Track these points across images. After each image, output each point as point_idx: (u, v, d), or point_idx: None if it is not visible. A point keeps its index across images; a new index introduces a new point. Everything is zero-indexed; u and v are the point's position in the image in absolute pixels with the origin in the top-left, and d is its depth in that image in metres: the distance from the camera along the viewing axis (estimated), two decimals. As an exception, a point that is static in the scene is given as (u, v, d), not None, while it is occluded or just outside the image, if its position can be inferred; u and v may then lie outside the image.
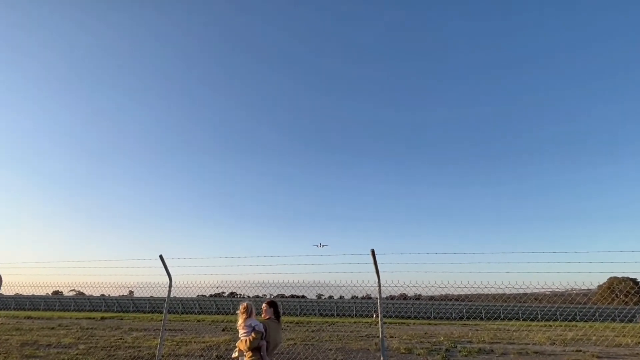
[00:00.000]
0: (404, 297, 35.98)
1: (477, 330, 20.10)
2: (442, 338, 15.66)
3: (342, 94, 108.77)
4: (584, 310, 29.06)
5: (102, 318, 26.92)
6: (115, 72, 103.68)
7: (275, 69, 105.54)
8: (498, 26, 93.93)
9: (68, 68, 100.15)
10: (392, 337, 16.21)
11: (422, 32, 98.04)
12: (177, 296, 9.05)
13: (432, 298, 37.18)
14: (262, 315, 4.89)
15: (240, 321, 4.57)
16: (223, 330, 18.05)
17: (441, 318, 34.54)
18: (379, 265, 6.22)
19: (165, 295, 8.08)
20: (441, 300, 37.00)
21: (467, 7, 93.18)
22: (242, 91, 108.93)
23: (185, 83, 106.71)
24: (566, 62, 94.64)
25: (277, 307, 4.93)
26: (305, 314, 37.10)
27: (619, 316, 26.24)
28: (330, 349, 12.28)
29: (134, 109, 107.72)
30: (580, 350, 12.27)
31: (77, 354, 10.51)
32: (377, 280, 6.39)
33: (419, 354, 11.36)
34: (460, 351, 11.93)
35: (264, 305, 4.93)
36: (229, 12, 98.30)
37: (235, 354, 4.61)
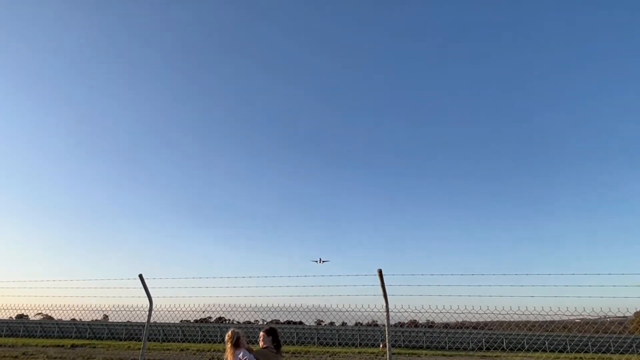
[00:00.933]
0: (414, 324, 35.52)
1: (498, 362, 19.79)
2: (458, 372, 15.40)
3: (346, 106, 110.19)
4: (620, 340, 28.60)
5: (73, 346, 26.55)
6: (98, 73, 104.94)
7: (277, 76, 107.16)
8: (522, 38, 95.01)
9: (42, 66, 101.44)
10: (402, 370, 15.94)
11: (436, 39, 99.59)
12: (158, 321, 9.00)
13: (446, 325, 36.70)
14: (260, 345, 4.78)
15: (227, 352, 4.49)
16: (209, 360, 17.75)
17: (457, 348, 34.02)
18: (386, 287, 6.16)
19: (145, 320, 8.00)
20: (457, 328, 36.51)
21: (483, 13, 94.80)
22: (238, 98, 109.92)
23: (177, 86, 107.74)
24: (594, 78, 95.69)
25: (277, 335, 4.84)
26: (302, 343, 36.59)
27: (659, 348, 25.83)
28: (331, 384, 12.05)
29: (116, 112, 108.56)
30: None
31: (42, 388, 10.33)
32: (384, 304, 6.32)
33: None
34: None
35: (261, 333, 4.82)
36: (228, 13, 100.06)
37: None
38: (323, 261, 56.93)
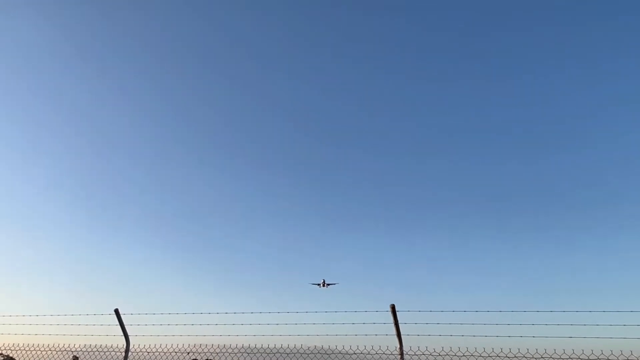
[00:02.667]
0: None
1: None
2: None
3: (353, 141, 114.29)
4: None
5: (36, 392, 25.82)
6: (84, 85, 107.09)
7: (279, 114, 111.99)
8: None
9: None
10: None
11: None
12: (136, 364, 8.84)
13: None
14: None
15: None
16: (193, 410, 17.22)
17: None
18: (400, 326, 6.13)
19: (120, 363, 7.83)
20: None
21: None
22: (243, 136, 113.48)
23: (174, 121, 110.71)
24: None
25: None
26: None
27: None
28: None
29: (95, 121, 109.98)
30: None
31: None
32: (398, 346, 6.29)
33: None
34: None
35: None
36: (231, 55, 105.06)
37: None
38: (328, 284, 51.09)
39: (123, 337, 7.83)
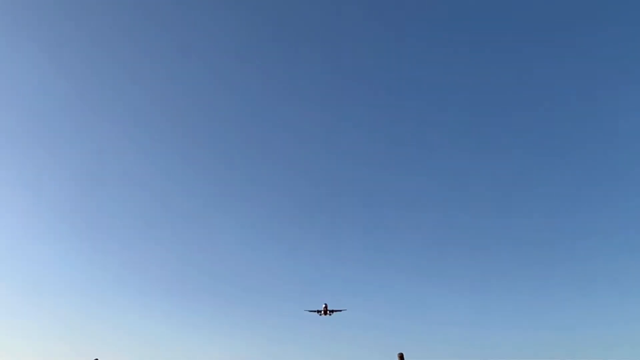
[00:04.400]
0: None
1: None
2: None
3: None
4: None
5: None
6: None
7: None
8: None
9: None
10: None
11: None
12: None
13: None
14: None
15: None
16: None
17: None
18: None
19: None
20: None
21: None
22: (238, 176, 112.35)
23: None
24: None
25: None
26: None
27: None
28: None
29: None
30: None
31: None
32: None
33: None
34: None
35: None
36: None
37: None
38: (331, 311, 43.21)
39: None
